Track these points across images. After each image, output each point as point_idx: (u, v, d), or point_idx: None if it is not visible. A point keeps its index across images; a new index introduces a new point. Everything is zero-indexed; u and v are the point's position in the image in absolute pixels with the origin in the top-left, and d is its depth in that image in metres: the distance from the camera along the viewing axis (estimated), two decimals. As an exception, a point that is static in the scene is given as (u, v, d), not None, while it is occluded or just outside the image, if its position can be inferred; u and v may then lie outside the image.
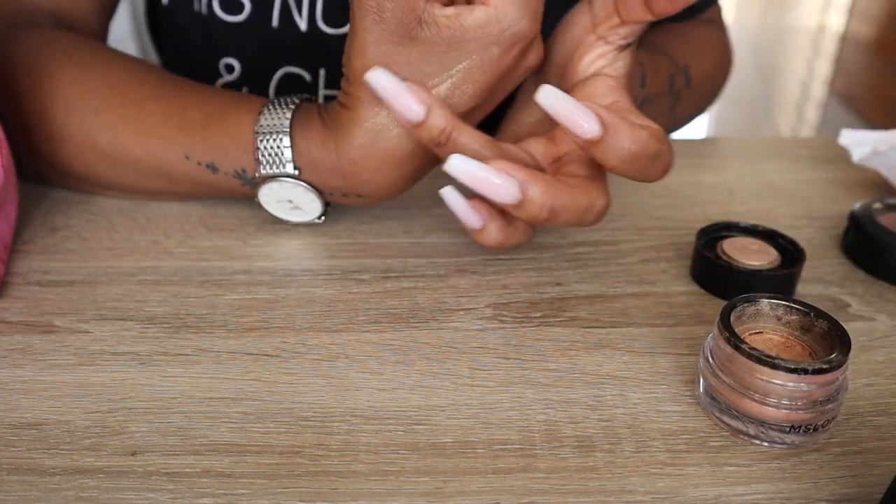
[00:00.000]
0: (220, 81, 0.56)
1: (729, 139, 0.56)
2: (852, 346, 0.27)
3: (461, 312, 0.34)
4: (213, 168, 0.38)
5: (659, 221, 0.43)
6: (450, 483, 0.26)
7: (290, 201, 0.38)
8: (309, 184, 0.37)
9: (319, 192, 0.37)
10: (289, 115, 0.36)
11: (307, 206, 0.38)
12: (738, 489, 0.25)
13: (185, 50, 0.56)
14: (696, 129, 2.61)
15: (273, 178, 0.37)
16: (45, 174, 0.44)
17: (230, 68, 0.55)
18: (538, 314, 0.34)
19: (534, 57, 0.34)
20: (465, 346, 0.32)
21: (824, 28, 2.56)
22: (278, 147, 0.36)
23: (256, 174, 0.37)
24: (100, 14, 0.49)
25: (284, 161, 0.36)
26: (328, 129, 0.35)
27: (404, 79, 0.30)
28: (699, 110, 0.58)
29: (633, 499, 0.25)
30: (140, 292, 0.36)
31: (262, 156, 0.36)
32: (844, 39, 2.45)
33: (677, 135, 0.57)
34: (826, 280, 0.38)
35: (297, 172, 0.36)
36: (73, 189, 0.44)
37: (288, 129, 0.36)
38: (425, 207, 0.44)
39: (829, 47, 2.52)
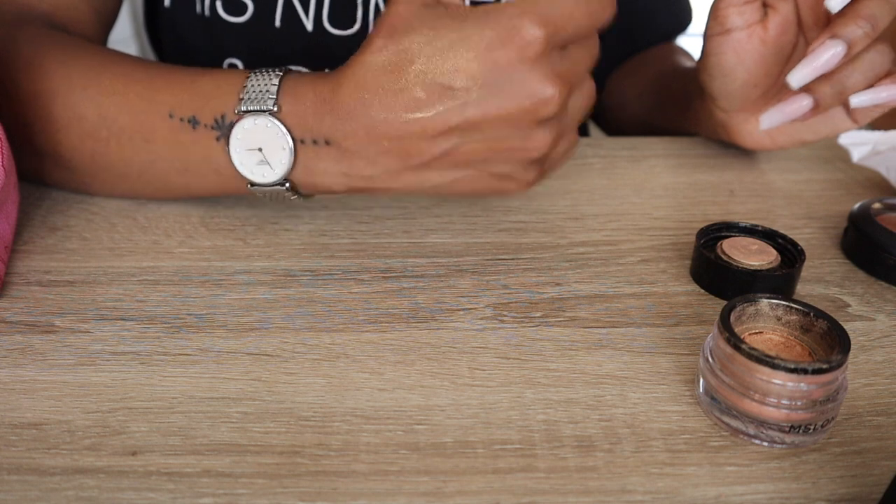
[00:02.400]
0: None
1: (729, 139, 0.56)
2: (852, 346, 0.27)
3: (461, 312, 0.34)
4: (193, 122, 0.38)
5: (659, 221, 0.43)
6: (450, 483, 0.26)
7: (260, 150, 0.37)
8: (284, 125, 0.36)
9: (292, 138, 0.36)
10: (283, 70, 0.37)
11: (275, 157, 0.36)
12: (738, 489, 0.25)
13: (186, 51, 0.56)
14: (696, 129, 2.61)
15: (249, 114, 0.36)
16: (42, 169, 0.44)
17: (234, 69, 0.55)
18: (538, 314, 0.34)
19: (552, 107, 0.33)
20: (465, 346, 0.32)
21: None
22: (266, 85, 0.36)
23: (236, 111, 0.36)
24: (96, 20, 0.50)
25: (267, 97, 0.36)
26: (326, 76, 0.35)
27: None
28: None
29: (633, 498, 0.25)
30: (140, 292, 0.36)
31: (247, 93, 0.36)
32: (844, 40, 2.45)
33: (677, 135, 0.57)
34: (826, 280, 0.38)
35: (275, 108, 0.36)
36: (67, 187, 0.44)
37: (280, 73, 0.36)
38: (425, 207, 0.44)
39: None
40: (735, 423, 0.27)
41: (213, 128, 0.38)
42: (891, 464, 0.27)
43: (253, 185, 0.37)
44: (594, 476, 0.26)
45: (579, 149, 0.53)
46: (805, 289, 0.37)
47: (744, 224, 0.38)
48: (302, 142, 0.36)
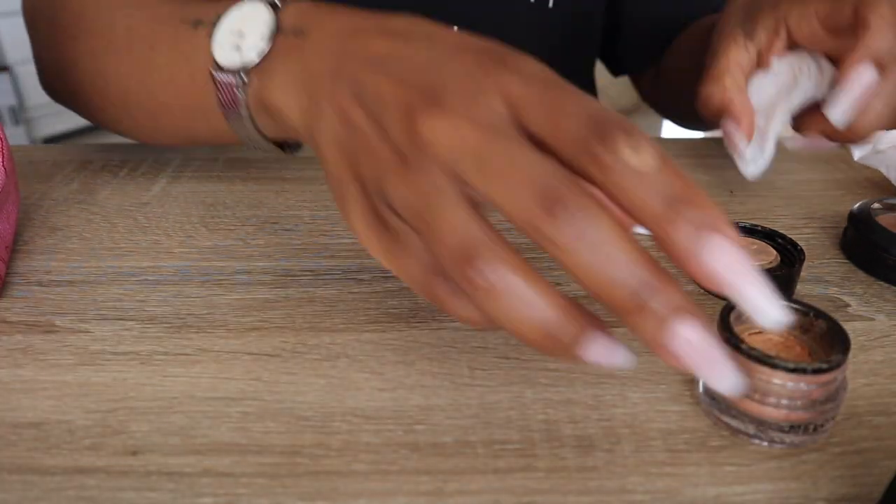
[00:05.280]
0: None
1: (729, 139, 0.56)
2: (851, 346, 0.27)
3: (461, 312, 0.34)
4: (196, 23, 0.36)
5: (659, 221, 0.43)
6: (450, 483, 0.26)
7: (241, 34, 0.34)
8: (276, 15, 0.33)
9: (277, 27, 0.32)
10: None
11: (250, 41, 0.33)
12: (738, 489, 0.25)
13: None
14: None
15: (249, 0, 0.34)
16: (82, 92, 0.44)
17: None
18: (538, 314, 0.34)
19: None
20: (465, 346, 0.32)
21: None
22: None
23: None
24: None
25: None
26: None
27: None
28: None
29: (633, 498, 0.25)
30: (141, 292, 0.36)
31: None
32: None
33: (677, 135, 0.57)
34: (825, 280, 0.38)
35: (278, 1, 0.33)
36: (95, 116, 0.45)
37: None
38: (425, 207, 0.44)
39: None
40: (735, 423, 0.27)
41: (211, 23, 0.35)
42: (890, 463, 0.27)
43: (216, 66, 0.34)
44: (594, 476, 0.26)
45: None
46: (805, 289, 0.37)
47: (743, 224, 0.38)
48: (283, 31, 0.32)
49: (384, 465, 0.26)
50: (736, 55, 0.44)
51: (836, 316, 0.34)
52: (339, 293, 0.36)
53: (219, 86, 0.34)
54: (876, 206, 0.40)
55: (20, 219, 0.41)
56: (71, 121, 2.19)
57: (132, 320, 0.34)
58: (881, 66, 0.39)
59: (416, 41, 0.28)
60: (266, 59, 0.32)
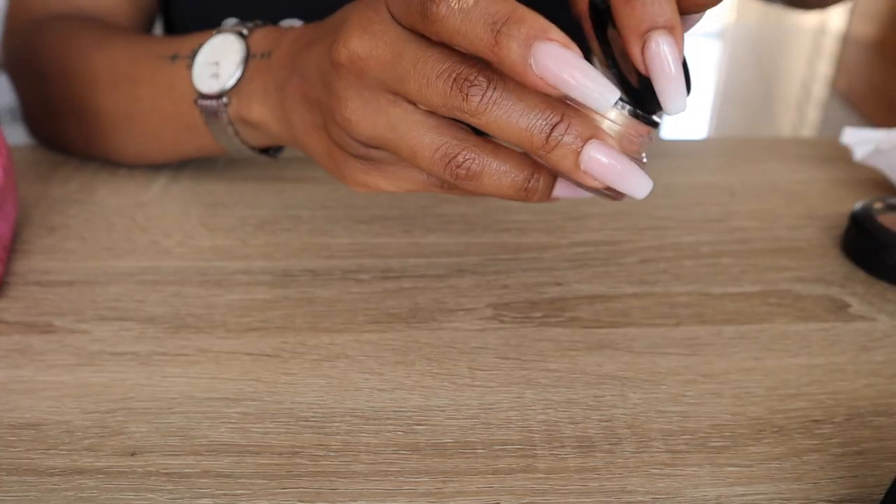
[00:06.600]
0: None
1: (729, 139, 0.56)
2: (853, 347, 0.27)
3: (461, 312, 0.34)
4: (174, 57, 0.40)
5: (659, 221, 0.43)
6: (450, 483, 0.25)
7: (217, 63, 0.37)
8: (246, 42, 0.37)
9: (248, 52, 0.36)
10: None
11: (226, 69, 0.37)
12: (739, 489, 0.25)
13: (195, 12, 0.58)
14: (697, 129, 2.61)
15: (221, 33, 0.38)
16: (65, 129, 0.46)
17: None
18: (538, 314, 0.34)
19: None
20: (465, 346, 0.32)
21: (825, 28, 2.56)
22: (243, 23, 0.38)
23: (213, 33, 0.38)
24: (136, 14, 0.53)
25: (246, 24, 0.37)
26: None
27: None
28: None
29: (633, 499, 0.25)
30: (139, 292, 0.35)
31: (229, 22, 0.38)
32: (845, 39, 2.45)
33: (677, 135, 0.56)
34: (826, 280, 0.38)
35: (245, 31, 0.37)
36: (82, 148, 0.46)
37: (262, 23, 0.38)
38: (425, 207, 0.44)
39: (831, 47, 2.52)
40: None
41: (187, 57, 0.39)
42: (892, 465, 0.27)
43: (198, 95, 0.38)
44: (594, 476, 0.26)
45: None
46: (805, 289, 0.37)
47: None
48: (253, 56, 0.36)
49: (384, 466, 0.26)
50: None
51: (837, 316, 0.34)
52: (338, 293, 0.36)
53: (203, 110, 0.38)
54: (878, 205, 0.40)
55: (19, 218, 0.41)
56: (71, 121, 2.18)
57: (131, 320, 0.33)
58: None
59: (332, 17, 0.32)
60: (241, 81, 0.36)
